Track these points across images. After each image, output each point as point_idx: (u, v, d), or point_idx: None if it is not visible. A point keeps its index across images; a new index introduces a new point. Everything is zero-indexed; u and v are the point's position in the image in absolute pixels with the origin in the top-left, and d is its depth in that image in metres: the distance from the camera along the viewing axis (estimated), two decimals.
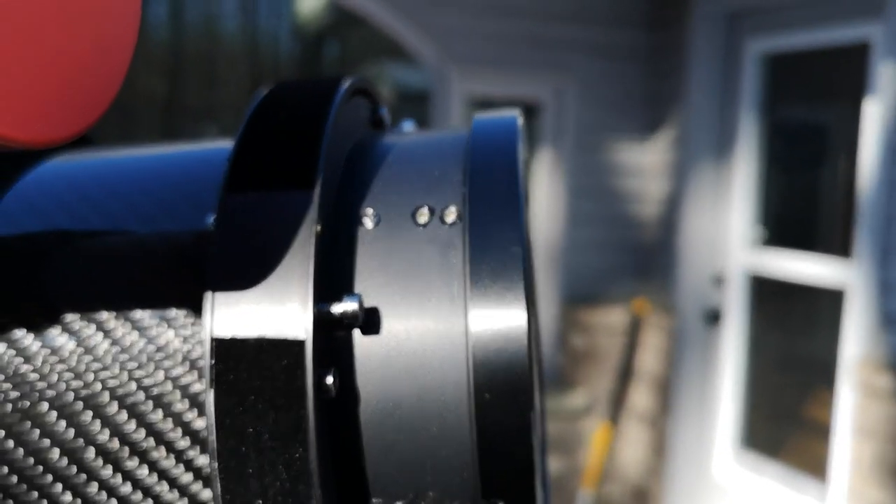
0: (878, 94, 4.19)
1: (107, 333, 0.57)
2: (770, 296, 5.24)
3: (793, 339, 5.32)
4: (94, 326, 0.57)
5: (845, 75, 4.75)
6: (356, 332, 0.54)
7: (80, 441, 0.56)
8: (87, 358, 0.56)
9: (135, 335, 0.56)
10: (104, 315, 0.57)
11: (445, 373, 0.54)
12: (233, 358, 0.50)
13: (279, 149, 0.57)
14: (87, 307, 0.58)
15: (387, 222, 0.58)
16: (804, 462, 4.95)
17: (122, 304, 0.58)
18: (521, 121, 0.64)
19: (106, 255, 0.61)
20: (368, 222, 0.58)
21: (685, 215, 5.42)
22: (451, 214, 0.57)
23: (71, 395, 0.56)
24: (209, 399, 0.50)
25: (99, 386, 0.56)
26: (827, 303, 4.71)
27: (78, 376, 0.56)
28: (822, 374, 4.77)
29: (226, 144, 0.63)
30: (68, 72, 0.43)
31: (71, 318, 0.58)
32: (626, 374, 5.85)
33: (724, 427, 5.40)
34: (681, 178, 5.46)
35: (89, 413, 0.56)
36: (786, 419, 5.33)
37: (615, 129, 5.81)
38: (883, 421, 4.08)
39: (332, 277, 0.55)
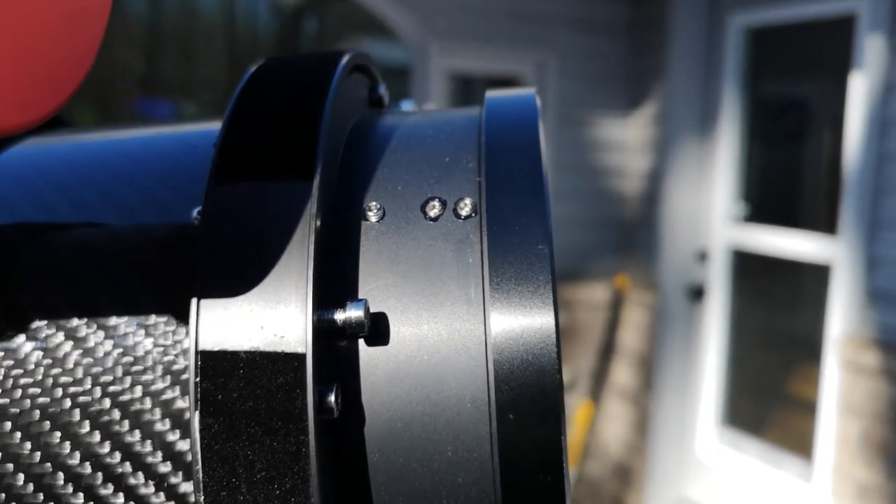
0: (864, 68, 4.15)
1: (77, 342, 0.50)
2: (754, 272, 5.22)
3: (777, 316, 5.30)
4: (62, 334, 0.51)
5: (830, 48, 4.71)
6: (361, 342, 0.48)
7: (47, 465, 0.49)
8: (55, 370, 0.50)
9: (109, 344, 0.50)
10: (75, 321, 0.51)
11: (462, 388, 0.47)
12: (221, 374, 0.44)
13: (272, 132, 0.50)
14: (55, 311, 0.51)
15: (393, 216, 0.51)
16: (788, 440, 4.94)
17: (95, 308, 0.51)
18: (539, 100, 0.58)
19: (78, 251, 0.54)
20: (372, 216, 0.51)
21: (668, 191, 5.38)
22: (465, 206, 0.51)
23: (36, 413, 0.49)
24: (194, 421, 0.44)
25: (68, 402, 0.49)
26: (811, 279, 4.68)
27: (44, 391, 0.50)
28: (806, 351, 4.76)
29: (213, 127, 0.56)
30: (38, 45, 0.36)
31: (37, 324, 0.51)
32: (608, 350, 5.82)
33: (707, 404, 5.38)
34: (663, 153, 5.42)
35: (57, 434, 0.49)
36: (770, 396, 5.31)
37: (597, 104, 5.77)
38: (870, 399, 4.06)
39: (334, 280, 0.49)
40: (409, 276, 0.49)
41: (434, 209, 0.51)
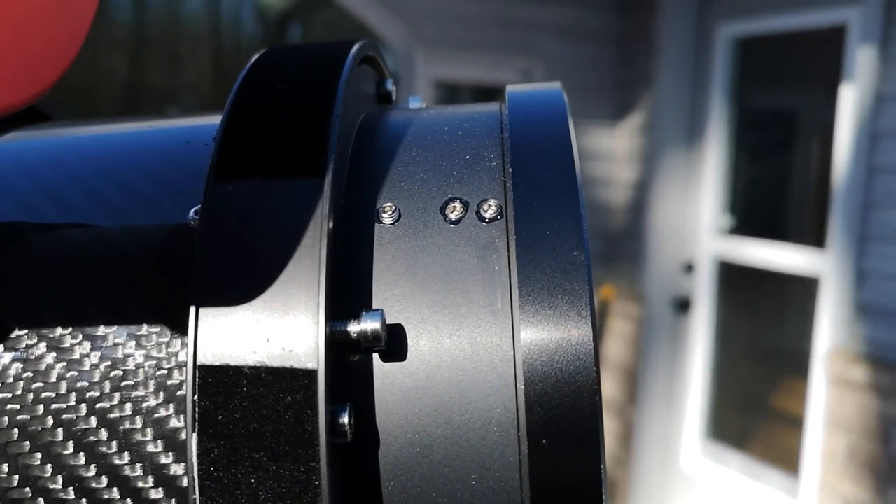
0: (854, 79, 4.13)
1: (61, 353, 0.46)
2: (740, 284, 5.19)
3: (763, 329, 5.28)
4: (45, 344, 0.46)
5: (819, 60, 4.70)
6: (376, 357, 0.44)
7: (26, 490, 0.44)
8: (36, 384, 0.45)
9: (96, 356, 0.45)
10: (59, 330, 0.46)
11: (488, 409, 0.43)
12: (222, 392, 0.39)
13: (278, 125, 0.46)
14: (37, 320, 0.47)
15: (409, 218, 0.47)
16: (774, 454, 4.91)
17: (81, 316, 0.47)
18: (566, 95, 0.54)
19: (63, 254, 0.50)
20: (387, 218, 0.47)
21: (654, 201, 5.36)
22: (489, 208, 0.47)
23: (15, 432, 0.45)
24: (191, 444, 0.39)
25: (50, 420, 0.45)
26: (798, 292, 4.66)
27: (24, 408, 0.45)
28: (792, 365, 4.74)
29: (210, 121, 0.52)
30: (25, 24, 0.32)
31: (17, 333, 0.46)
32: None
33: (693, 417, 5.36)
34: (650, 163, 5.40)
35: (37, 455, 0.44)
36: (755, 410, 5.29)
37: (583, 113, 5.73)
38: (857, 414, 4.04)
39: (347, 288, 0.44)
40: (428, 284, 0.45)
41: (455, 211, 0.47)
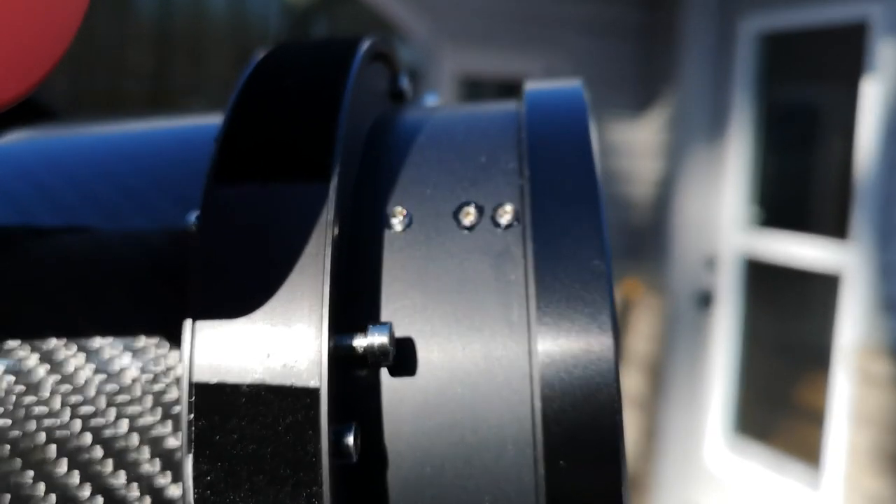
0: (877, 74, 4.10)
1: (54, 367, 0.44)
2: (764, 279, 5.16)
3: (787, 323, 5.25)
4: (37, 356, 0.44)
5: (843, 55, 4.66)
6: (383, 373, 0.41)
7: None
8: (29, 398, 0.43)
9: (90, 369, 0.43)
10: (52, 341, 0.44)
11: (503, 428, 0.40)
12: (219, 411, 0.37)
13: (283, 126, 0.44)
14: (29, 330, 0.45)
15: (421, 224, 0.44)
16: (798, 449, 4.89)
17: (75, 327, 0.44)
18: (587, 93, 0.51)
19: (57, 260, 0.48)
20: (397, 224, 0.44)
21: (678, 196, 5.34)
22: (505, 214, 0.44)
23: (6, 448, 0.43)
24: (187, 467, 0.37)
25: (43, 436, 0.43)
26: (823, 287, 4.63)
27: (16, 423, 0.43)
28: (817, 360, 4.71)
29: (213, 120, 0.49)
30: (7, 13, 0.31)
31: (9, 344, 0.44)
32: None
33: (716, 412, 5.33)
34: (674, 158, 5.38)
35: (30, 473, 0.42)
36: (779, 405, 5.26)
37: (607, 107, 5.71)
38: (881, 409, 4.01)
39: (353, 299, 0.42)
40: (439, 294, 0.42)
41: (469, 216, 0.44)
